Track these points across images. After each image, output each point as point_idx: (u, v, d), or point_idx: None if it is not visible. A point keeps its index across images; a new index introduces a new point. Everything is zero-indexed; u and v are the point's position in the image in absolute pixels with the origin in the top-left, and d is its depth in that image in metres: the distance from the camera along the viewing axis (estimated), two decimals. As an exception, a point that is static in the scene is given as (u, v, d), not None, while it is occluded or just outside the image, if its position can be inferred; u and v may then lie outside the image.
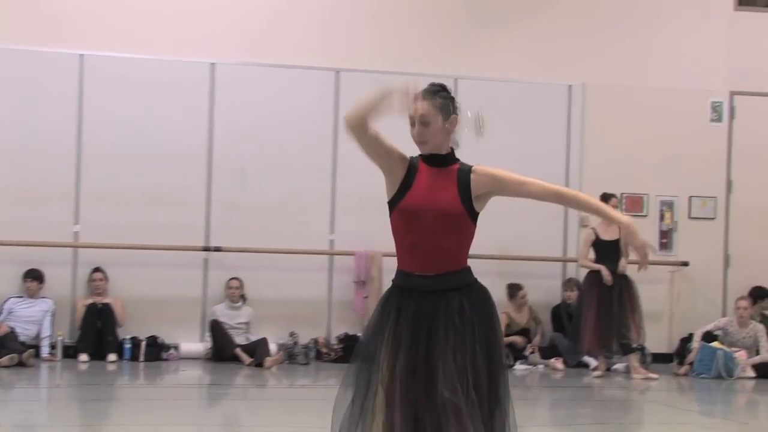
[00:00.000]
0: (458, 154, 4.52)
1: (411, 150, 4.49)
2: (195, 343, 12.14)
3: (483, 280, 4.53)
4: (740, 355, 11.97)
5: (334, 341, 12.46)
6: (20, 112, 11.96)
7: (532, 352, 12.50)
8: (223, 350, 11.86)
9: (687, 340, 12.67)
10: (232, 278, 12.18)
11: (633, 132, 13.13)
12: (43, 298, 11.76)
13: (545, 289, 13.03)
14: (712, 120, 13.50)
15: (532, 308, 12.87)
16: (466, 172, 4.43)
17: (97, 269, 11.91)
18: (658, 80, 13.24)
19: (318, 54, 12.55)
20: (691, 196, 13.38)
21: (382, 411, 4.28)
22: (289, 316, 12.33)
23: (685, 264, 13.25)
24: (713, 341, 12.11)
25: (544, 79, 13.03)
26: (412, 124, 4.40)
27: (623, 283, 11.49)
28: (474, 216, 4.42)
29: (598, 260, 11.56)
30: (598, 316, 11.38)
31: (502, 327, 5.44)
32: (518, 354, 12.38)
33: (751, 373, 11.94)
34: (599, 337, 11.47)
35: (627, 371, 11.85)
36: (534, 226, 12.59)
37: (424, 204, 4.36)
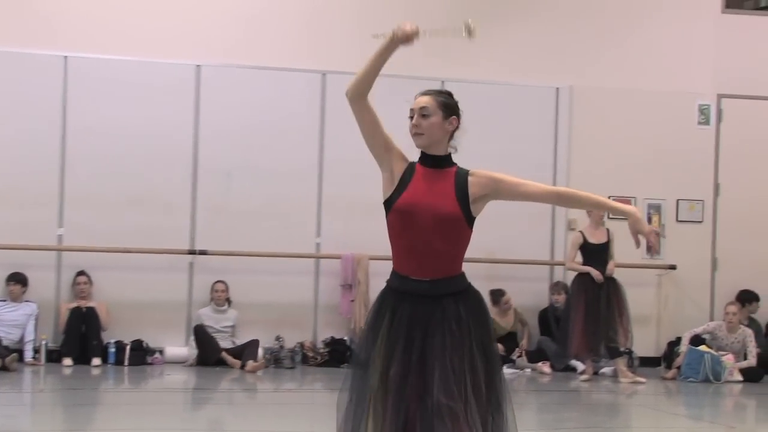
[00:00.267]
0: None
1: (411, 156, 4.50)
2: (180, 347, 12.06)
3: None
4: (727, 358, 11.96)
5: (320, 345, 12.40)
6: (3, 113, 11.86)
7: (519, 356, 12.46)
8: (208, 356, 11.78)
9: (674, 343, 12.67)
10: (218, 281, 12.11)
11: (621, 135, 13.13)
12: (26, 301, 11.67)
13: (533, 293, 13.00)
14: (700, 123, 13.49)
15: (517, 311, 12.83)
16: (463, 175, 4.43)
17: (81, 273, 11.83)
18: (646, 83, 13.24)
19: (304, 56, 12.51)
20: (678, 200, 13.37)
21: (373, 416, 4.28)
22: (275, 320, 12.27)
23: (672, 267, 13.23)
24: (700, 345, 12.09)
25: (531, 82, 13.00)
26: (412, 117, 4.44)
27: (611, 287, 11.48)
28: (471, 220, 4.40)
29: (585, 263, 11.56)
30: (586, 319, 11.35)
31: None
32: (505, 358, 12.33)
33: (739, 377, 11.93)
34: (587, 340, 11.44)
35: (614, 375, 11.82)
36: (521, 229, 12.56)
37: (419, 204, 4.34)
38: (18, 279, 11.62)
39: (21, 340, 11.54)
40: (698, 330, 12.32)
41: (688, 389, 11.52)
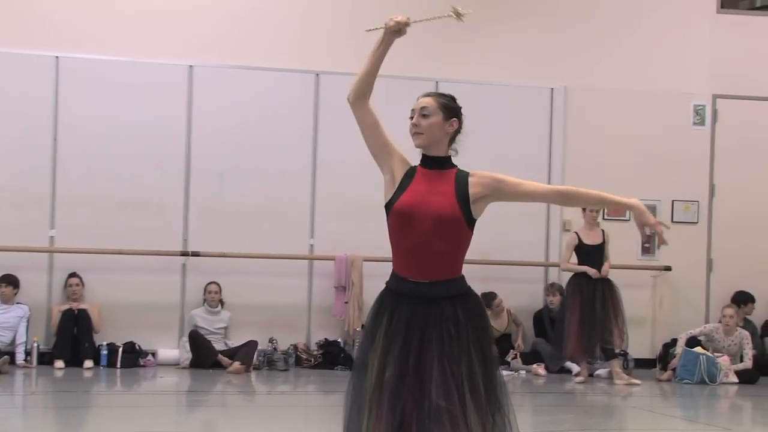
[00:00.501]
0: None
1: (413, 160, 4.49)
2: (173, 350, 12.00)
3: (464, 285, 4.45)
4: (723, 360, 11.92)
5: (313, 347, 12.35)
6: (-6, 114, 11.81)
7: (514, 358, 12.41)
8: (204, 360, 11.72)
9: (670, 345, 12.64)
10: (211, 282, 12.04)
11: (615, 135, 13.10)
12: (18, 303, 11.60)
13: (527, 294, 12.96)
14: (695, 123, 13.46)
15: (510, 312, 12.78)
16: (464, 176, 4.41)
17: (73, 274, 11.76)
18: (641, 83, 13.21)
19: (297, 57, 12.47)
20: (673, 200, 13.33)
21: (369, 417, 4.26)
22: (268, 322, 12.22)
23: (667, 269, 13.20)
24: (696, 346, 12.06)
25: (525, 82, 12.97)
26: (412, 117, 4.43)
27: (606, 288, 11.45)
28: (471, 222, 4.37)
29: (580, 265, 11.53)
30: (581, 321, 11.32)
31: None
32: (499, 360, 12.27)
33: (734, 379, 11.89)
34: (582, 342, 11.40)
35: (609, 377, 11.79)
36: (516, 230, 12.52)
37: (419, 206, 4.31)
38: (9, 281, 11.55)
39: (12, 343, 11.48)
40: (695, 331, 12.29)
41: (683, 391, 11.48)
